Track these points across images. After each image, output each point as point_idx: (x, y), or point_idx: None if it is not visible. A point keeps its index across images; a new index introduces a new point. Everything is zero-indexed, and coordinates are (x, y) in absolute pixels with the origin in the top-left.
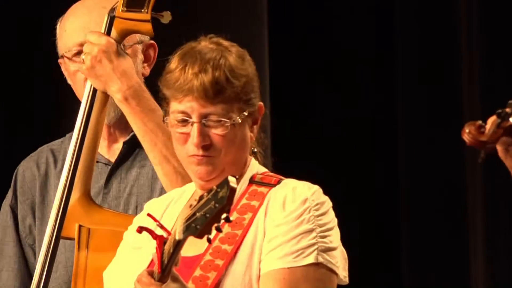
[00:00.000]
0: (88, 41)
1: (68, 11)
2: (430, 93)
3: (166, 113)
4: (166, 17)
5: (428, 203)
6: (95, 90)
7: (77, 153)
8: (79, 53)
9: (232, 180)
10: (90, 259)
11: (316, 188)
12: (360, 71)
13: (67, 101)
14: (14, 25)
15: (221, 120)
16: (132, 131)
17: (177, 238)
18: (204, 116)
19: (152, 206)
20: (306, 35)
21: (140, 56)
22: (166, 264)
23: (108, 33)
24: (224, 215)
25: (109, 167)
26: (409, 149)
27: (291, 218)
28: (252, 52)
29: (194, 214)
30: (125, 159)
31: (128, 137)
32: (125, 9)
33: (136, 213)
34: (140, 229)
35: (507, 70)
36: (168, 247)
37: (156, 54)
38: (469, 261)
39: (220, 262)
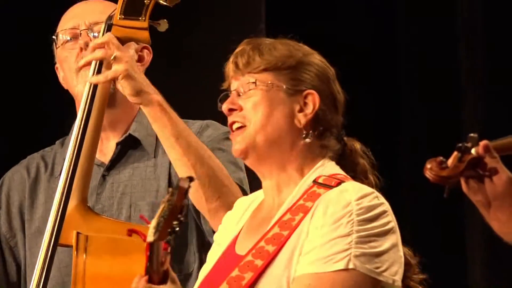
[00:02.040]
0: (115, 44)
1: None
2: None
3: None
4: (163, 25)
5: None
6: (93, 97)
7: (75, 159)
8: (72, 38)
9: (183, 181)
10: (88, 266)
11: (369, 191)
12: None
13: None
14: (14, 26)
15: (249, 89)
16: (126, 131)
17: (148, 240)
18: (238, 86)
19: (239, 204)
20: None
21: (133, 53)
22: (149, 267)
23: None
24: (178, 216)
25: (102, 168)
26: (407, 152)
27: (330, 222)
28: None
29: (159, 216)
30: (118, 159)
31: (121, 138)
32: (123, 16)
33: (130, 213)
34: (130, 232)
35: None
36: (146, 249)
37: (150, 58)
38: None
39: (259, 262)
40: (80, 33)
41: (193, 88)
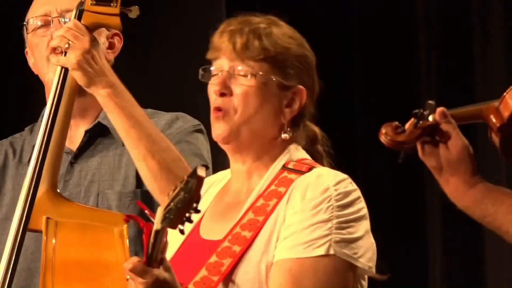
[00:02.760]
0: (71, 29)
1: None
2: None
3: (206, 68)
4: (134, 12)
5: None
6: (63, 83)
7: (44, 146)
8: (43, 25)
9: (200, 170)
10: (58, 252)
11: (344, 177)
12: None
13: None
14: None
15: (244, 72)
16: (95, 118)
17: (155, 228)
18: (231, 67)
19: None
20: None
21: (104, 40)
22: (151, 253)
23: None
24: (194, 205)
25: (70, 155)
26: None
27: (309, 207)
28: None
29: (169, 204)
30: (87, 147)
31: (90, 126)
32: (94, 2)
33: (97, 201)
34: (128, 218)
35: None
36: (152, 236)
37: (121, 44)
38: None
39: (237, 248)
40: (52, 20)
41: (157, 73)
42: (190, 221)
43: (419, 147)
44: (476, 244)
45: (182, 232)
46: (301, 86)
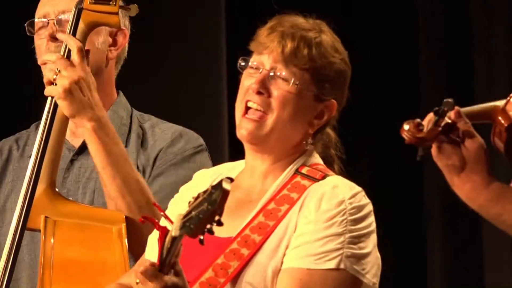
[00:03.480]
0: (64, 62)
1: None
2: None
3: (247, 59)
4: (133, 10)
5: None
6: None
7: (43, 144)
8: (42, 27)
9: (226, 183)
10: (56, 251)
11: (358, 190)
12: None
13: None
14: None
15: (287, 78)
16: None
17: (173, 234)
18: (273, 68)
19: (200, 176)
20: None
21: (105, 37)
22: (165, 258)
23: (76, 25)
24: (216, 218)
25: (72, 152)
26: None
27: (323, 219)
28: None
29: (190, 212)
30: None
31: None
32: (93, 1)
33: (93, 198)
34: (144, 219)
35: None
36: (167, 241)
37: (126, 41)
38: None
39: (245, 251)
40: (48, 22)
41: (157, 73)
42: (211, 232)
43: (435, 145)
44: (475, 243)
45: (201, 242)
46: (333, 101)
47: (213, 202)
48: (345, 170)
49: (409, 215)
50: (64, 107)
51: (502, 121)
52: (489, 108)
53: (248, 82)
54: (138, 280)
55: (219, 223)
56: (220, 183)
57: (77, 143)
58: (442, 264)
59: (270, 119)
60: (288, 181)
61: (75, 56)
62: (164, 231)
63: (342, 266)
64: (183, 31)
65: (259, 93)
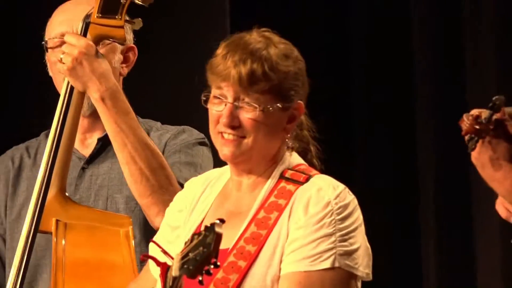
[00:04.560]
0: (67, 42)
1: (57, 8)
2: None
3: (208, 94)
4: (137, 24)
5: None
6: (71, 90)
7: (54, 151)
8: (61, 44)
9: (218, 227)
10: (68, 252)
11: (341, 188)
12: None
13: (44, 101)
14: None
15: (252, 105)
16: None
17: (173, 274)
18: (237, 99)
19: (192, 185)
20: None
21: (119, 56)
22: None
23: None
24: (213, 260)
25: (83, 161)
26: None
27: (312, 222)
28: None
29: (187, 254)
30: (98, 154)
31: (102, 134)
32: (100, 15)
33: (106, 205)
34: (144, 257)
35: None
36: (169, 277)
37: (135, 57)
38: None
39: (243, 263)
40: None
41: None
42: (209, 274)
43: (482, 139)
44: (468, 245)
45: (201, 282)
46: (299, 101)
47: (208, 245)
48: (339, 168)
49: (403, 216)
50: (72, 83)
51: None
52: None
53: (216, 109)
54: None
55: (216, 265)
56: (213, 226)
57: (87, 153)
58: (437, 265)
59: (248, 140)
60: (274, 187)
61: (74, 37)
62: (164, 267)
63: (337, 264)
64: (186, 35)
65: (232, 127)
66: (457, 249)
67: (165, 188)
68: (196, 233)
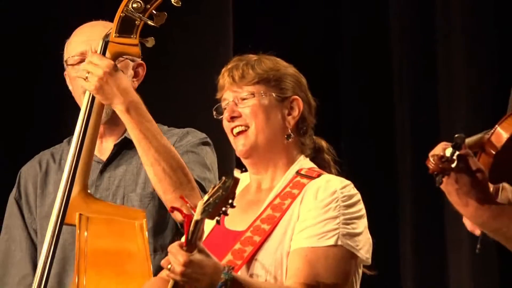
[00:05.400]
0: (91, 62)
1: (75, 30)
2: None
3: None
4: (150, 42)
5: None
6: (92, 101)
7: (77, 154)
8: (80, 61)
9: (237, 172)
10: (89, 242)
11: (348, 183)
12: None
13: (65, 110)
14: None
15: (247, 96)
16: (122, 134)
17: (195, 218)
18: (235, 97)
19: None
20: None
21: (131, 71)
22: (190, 239)
23: (103, 55)
24: (230, 201)
25: (101, 164)
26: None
27: (320, 206)
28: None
29: (209, 199)
30: (115, 158)
31: (118, 140)
32: (117, 35)
33: (123, 202)
34: (172, 209)
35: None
36: (192, 225)
37: (144, 72)
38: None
39: (257, 238)
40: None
41: (171, 93)
42: (226, 214)
43: (447, 175)
44: (440, 249)
45: (218, 222)
46: (296, 96)
47: (227, 189)
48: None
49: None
50: (99, 98)
51: (490, 150)
52: (479, 140)
53: (224, 116)
54: (169, 266)
55: (232, 206)
56: (232, 173)
57: (104, 157)
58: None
59: (252, 129)
60: (290, 181)
61: (98, 57)
62: (189, 218)
63: (339, 242)
64: (195, 54)
65: (233, 118)
66: (431, 254)
67: (185, 184)
68: (218, 181)
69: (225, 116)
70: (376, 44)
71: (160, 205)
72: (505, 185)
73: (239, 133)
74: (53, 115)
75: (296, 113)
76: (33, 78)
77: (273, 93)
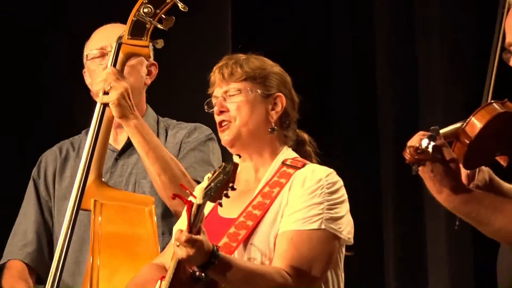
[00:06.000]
0: (113, 75)
1: (97, 29)
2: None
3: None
4: (160, 44)
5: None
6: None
7: (92, 144)
8: (100, 56)
9: (236, 158)
10: (103, 226)
11: (331, 171)
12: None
13: (82, 104)
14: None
15: (234, 92)
16: None
17: (197, 202)
18: (223, 92)
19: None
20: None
21: (144, 69)
22: (193, 222)
23: (117, 55)
24: (230, 184)
25: (115, 153)
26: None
27: (306, 193)
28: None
29: (210, 184)
30: (128, 148)
31: None
32: (130, 37)
33: (134, 188)
34: (174, 196)
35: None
36: (194, 209)
37: (157, 71)
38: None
39: (250, 223)
40: (107, 53)
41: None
42: (227, 196)
43: (422, 164)
44: (420, 252)
45: (220, 204)
46: (280, 93)
47: (227, 173)
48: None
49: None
50: (114, 112)
51: (464, 140)
52: (454, 130)
53: (215, 114)
54: (178, 243)
55: (233, 188)
56: (232, 159)
57: (119, 147)
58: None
59: (236, 122)
60: (277, 170)
61: (118, 73)
62: (191, 204)
63: (323, 226)
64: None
65: (220, 112)
66: (411, 255)
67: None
68: (218, 167)
69: (215, 110)
70: (362, 44)
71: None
72: (482, 167)
73: (225, 126)
74: (72, 107)
75: (279, 108)
76: (36, 77)
77: (258, 90)
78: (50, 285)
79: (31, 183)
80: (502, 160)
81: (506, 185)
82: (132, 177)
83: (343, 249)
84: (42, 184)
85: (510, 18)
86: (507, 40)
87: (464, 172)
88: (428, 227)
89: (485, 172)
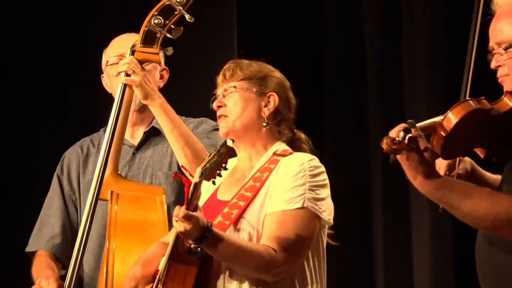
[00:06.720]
0: (134, 63)
1: (115, 38)
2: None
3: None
4: (169, 51)
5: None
6: (123, 96)
7: (109, 141)
8: (118, 62)
9: (229, 142)
10: (119, 215)
11: (314, 157)
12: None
13: (100, 105)
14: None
15: (232, 90)
16: (150, 123)
17: (194, 181)
18: (223, 90)
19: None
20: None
21: (158, 73)
22: (190, 199)
23: None
24: (223, 165)
25: (133, 148)
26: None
27: (290, 175)
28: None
29: (206, 164)
30: (144, 143)
31: (147, 128)
32: (142, 45)
33: (151, 180)
34: (175, 175)
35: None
36: (191, 187)
37: (168, 75)
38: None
39: (242, 203)
40: None
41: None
42: (220, 175)
43: (399, 153)
44: (407, 252)
45: (214, 183)
46: (273, 93)
47: (221, 155)
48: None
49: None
50: (139, 93)
51: (441, 132)
52: (432, 123)
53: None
54: (176, 219)
55: (225, 168)
56: (225, 142)
57: (135, 142)
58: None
59: (231, 116)
60: (268, 159)
61: (137, 61)
62: (189, 183)
63: (305, 205)
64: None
65: (219, 107)
66: (399, 254)
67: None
68: (213, 149)
69: (214, 105)
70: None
71: (182, 183)
72: (465, 157)
73: (222, 119)
74: (89, 107)
75: (271, 105)
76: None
77: (254, 88)
78: (72, 267)
79: (55, 179)
80: (479, 152)
81: (487, 175)
82: (149, 169)
83: (325, 230)
84: (66, 180)
85: (493, 24)
86: (490, 44)
87: (445, 162)
88: (413, 216)
89: (466, 162)
